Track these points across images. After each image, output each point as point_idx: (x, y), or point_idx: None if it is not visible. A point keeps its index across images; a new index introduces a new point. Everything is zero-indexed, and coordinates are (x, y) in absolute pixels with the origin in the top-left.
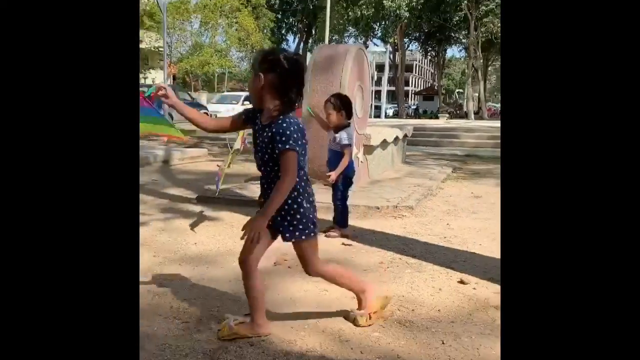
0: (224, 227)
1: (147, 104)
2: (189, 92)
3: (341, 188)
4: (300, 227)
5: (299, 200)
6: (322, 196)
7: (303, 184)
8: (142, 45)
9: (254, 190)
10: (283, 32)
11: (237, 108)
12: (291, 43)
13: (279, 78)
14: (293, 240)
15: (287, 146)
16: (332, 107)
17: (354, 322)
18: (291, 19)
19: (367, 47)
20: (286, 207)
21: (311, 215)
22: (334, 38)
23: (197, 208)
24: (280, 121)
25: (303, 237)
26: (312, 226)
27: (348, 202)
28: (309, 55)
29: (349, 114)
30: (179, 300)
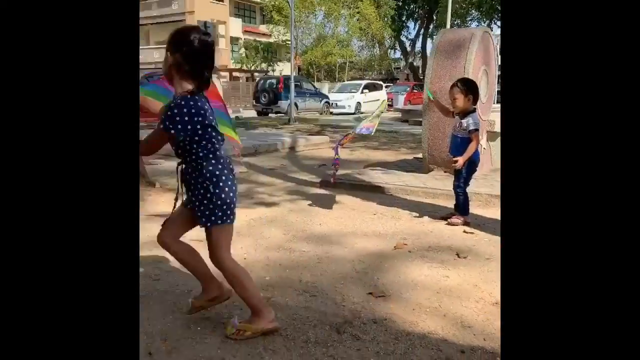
0: (346, 210)
1: (222, 103)
2: (312, 83)
3: (464, 175)
4: (217, 211)
5: (220, 185)
6: (442, 183)
7: (222, 167)
8: (270, 40)
9: (373, 176)
10: (404, 19)
11: (357, 96)
12: (412, 30)
13: (183, 58)
14: (208, 224)
15: (162, 126)
16: (459, 91)
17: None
18: (412, 6)
19: (491, 30)
20: (202, 191)
21: (229, 201)
22: (455, 22)
23: (320, 191)
24: (173, 102)
25: (219, 222)
26: (228, 212)
27: (468, 190)
28: (429, 41)
29: (475, 98)
30: (307, 275)
